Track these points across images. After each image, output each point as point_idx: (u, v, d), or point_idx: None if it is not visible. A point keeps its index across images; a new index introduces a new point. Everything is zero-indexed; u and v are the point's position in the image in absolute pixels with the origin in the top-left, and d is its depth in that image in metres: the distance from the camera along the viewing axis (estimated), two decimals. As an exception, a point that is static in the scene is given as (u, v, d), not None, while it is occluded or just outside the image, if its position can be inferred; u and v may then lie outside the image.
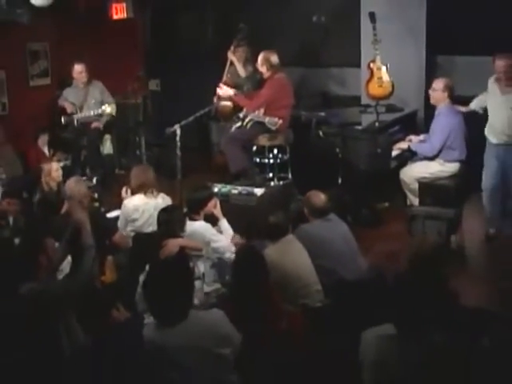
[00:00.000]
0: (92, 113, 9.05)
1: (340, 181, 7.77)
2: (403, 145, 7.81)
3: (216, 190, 6.99)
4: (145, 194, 6.24)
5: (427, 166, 7.46)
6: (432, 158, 7.46)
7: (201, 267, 5.46)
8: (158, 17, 10.97)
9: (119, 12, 10.20)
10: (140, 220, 6.18)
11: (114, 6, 10.08)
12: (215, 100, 8.86)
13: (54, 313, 4.21)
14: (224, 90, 8.36)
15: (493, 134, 6.87)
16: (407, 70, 8.50)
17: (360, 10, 8.71)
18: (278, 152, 8.37)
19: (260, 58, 8.15)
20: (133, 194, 6.37)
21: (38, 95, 9.44)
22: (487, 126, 6.94)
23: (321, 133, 8.21)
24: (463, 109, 7.33)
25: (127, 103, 10.13)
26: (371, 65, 8.26)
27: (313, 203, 5.81)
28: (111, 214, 6.91)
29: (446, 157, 7.36)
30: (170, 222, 5.45)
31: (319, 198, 5.82)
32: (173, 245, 5.28)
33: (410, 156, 7.75)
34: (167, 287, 3.83)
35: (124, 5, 10.19)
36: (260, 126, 8.17)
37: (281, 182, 8.29)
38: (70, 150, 9.13)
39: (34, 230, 5.35)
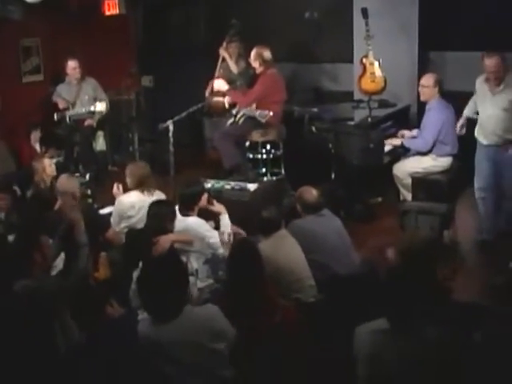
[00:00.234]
0: (84, 110, 9.04)
1: (333, 176, 7.78)
2: (396, 141, 7.83)
3: (209, 185, 7.00)
4: (142, 191, 6.23)
5: (420, 160, 7.49)
6: (425, 153, 7.48)
7: (194, 263, 5.47)
8: (150, 13, 10.95)
9: (111, 8, 10.19)
10: (135, 217, 6.15)
11: (106, 2, 10.08)
12: (207, 94, 8.88)
13: (48, 310, 4.21)
14: (219, 84, 8.40)
15: (483, 134, 6.69)
16: (400, 66, 8.51)
17: (352, 6, 8.71)
18: (271, 147, 8.38)
19: (253, 53, 8.17)
20: (125, 191, 6.37)
21: (31, 92, 9.40)
22: (477, 127, 6.77)
23: (313, 128, 8.22)
24: (460, 123, 7.11)
25: (120, 99, 10.13)
26: (364, 60, 8.27)
27: (305, 199, 5.82)
28: (104, 211, 6.90)
29: (438, 151, 7.39)
30: (160, 215, 5.45)
31: (311, 193, 5.83)
32: (164, 241, 5.28)
33: (402, 152, 7.77)
34: (162, 283, 3.84)
35: (116, 1, 10.17)
36: (252, 122, 8.18)
37: (274, 178, 8.30)
38: (62, 147, 9.11)
39: (28, 226, 5.34)
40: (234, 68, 9.13)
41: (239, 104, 8.29)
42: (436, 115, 7.34)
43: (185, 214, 5.69)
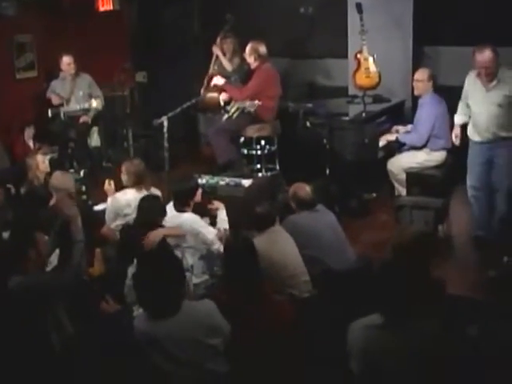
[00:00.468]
0: (79, 107, 9.02)
1: (327, 171, 7.77)
2: (391, 136, 7.85)
3: (204, 181, 7.00)
4: (138, 189, 6.22)
5: (414, 155, 7.52)
6: (419, 148, 7.50)
7: (189, 259, 5.47)
8: (144, 8, 10.92)
9: (105, 4, 10.16)
10: (131, 215, 6.08)
11: (100, -3, 10.07)
12: (202, 91, 8.88)
13: (43, 306, 4.22)
14: (217, 79, 8.43)
15: (476, 132, 6.51)
16: (394, 61, 8.51)
17: (347, 1, 8.70)
18: (266, 143, 8.37)
19: (248, 47, 8.16)
20: (117, 187, 6.36)
21: (25, 88, 9.38)
22: (470, 125, 6.61)
23: (308, 123, 8.20)
24: (454, 133, 6.92)
25: (114, 95, 10.10)
26: (358, 55, 8.28)
27: (299, 196, 5.81)
28: (99, 207, 6.90)
29: (432, 146, 7.41)
30: (150, 209, 5.44)
31: (304, 190, 5.82)
32: (155, 235, 5.27)
33: (397, 147, 7.78)
34: (159, 280, 3.85)
35: (110, -4, 10.16)
36: (246, 117, 8.17)
37: (268, 173, 8.30)
38: (56, 143, 9.10)
39: (22, 223, 5.33)
40: (227, 65, 9.12)
41: (236, 98, 8.28)
42: (429, 109, 7.37)
43: (180, 209, 5.68)
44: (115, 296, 4.74)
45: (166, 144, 7.16)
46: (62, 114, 9.05)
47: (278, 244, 5.26)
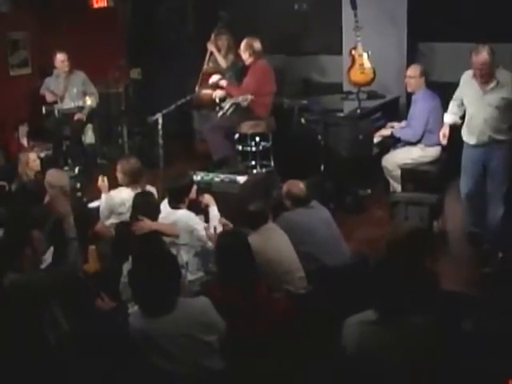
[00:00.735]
0: (73, 104, 9.01)
1: (322, 168, 7.78)
2: (385, 132, 7.86)
3: (198, 178, 7.00)
4: (133, 188, 6.20)
5: (409, 151, 7.53)
6: (414, 144, 7.51)
7: (184, 256, 5.46)
8: (138, 5, 10.91)
9: (100, 1, 10.14)
10: (126, 214, 6.05)
11: (94, -6, 10.05)
12: (197, 88, 8.87)
13: (38, 303, 4.21)
14: (215, 77, 8.45)
15: (472, 134, 6.37)
16: (389, 57, 8.52)
17: (341, -3, 8.72)
18: (261, 140, 8.36)
19: (243, 44, 8.15)
20: (111, 184, 6.34)
21: (19, 85, 9.37)
22: (464, 126, 6.47)
23: (303, 120, 8.22)
24: (442, 132, 6.82)
25: (109, 92, 10.08)
26: (353, 52, 8.29)
27: (293, 193, 5.79)
28: (93, 204, 6.88)
29: (427, 141, 7.43)
30: (144, 205, 5.43)
31: (298, 187, 5.81)
32: (145, 223, 5.25)
33: (392, 143, 7.79)
34: (154, 277, 3.84)
35: (104, -7, 10.15)
36: (241, 113, 8.17)
37: (263, 170, 8.30)
38: (51, 140, 9.08)
39: (18, 220, 5.32)
40: (222, 62, 9.11)
41: (234, 95, 8.26)
42: (423, 105, 7.39)
43: (175, 206, 5.67)
44: (110, 293, 4.74)
45: (160, 141, 7.14)
46: (56, 112, 9.04)
47: (273, 241, 5.25)
